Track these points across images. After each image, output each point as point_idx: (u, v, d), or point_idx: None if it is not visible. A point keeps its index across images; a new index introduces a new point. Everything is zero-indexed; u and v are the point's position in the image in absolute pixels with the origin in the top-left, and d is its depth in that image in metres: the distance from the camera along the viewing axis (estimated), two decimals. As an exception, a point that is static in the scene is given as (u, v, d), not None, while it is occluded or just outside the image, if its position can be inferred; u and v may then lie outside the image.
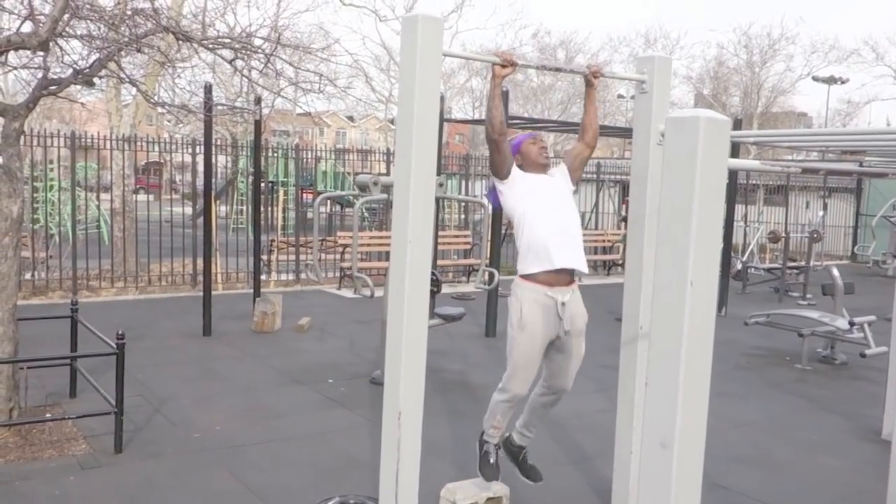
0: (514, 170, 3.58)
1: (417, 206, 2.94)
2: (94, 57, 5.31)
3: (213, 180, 9.25)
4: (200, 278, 9.12)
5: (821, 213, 17.80)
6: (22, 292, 8.90)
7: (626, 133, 12.08)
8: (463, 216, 16.15)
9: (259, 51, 6.17)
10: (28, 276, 10.38)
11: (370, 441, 5.01)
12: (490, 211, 7.54)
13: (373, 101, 26.92)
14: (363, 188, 5.94)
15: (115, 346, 4.76)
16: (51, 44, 4.98)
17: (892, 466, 4.23)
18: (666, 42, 32.62)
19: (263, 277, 10.62)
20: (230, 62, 6.11)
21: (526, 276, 3.50)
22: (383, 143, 30.68)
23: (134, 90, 7.61)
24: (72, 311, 5.85)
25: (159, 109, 9.24)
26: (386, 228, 13.18)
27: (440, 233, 10.90)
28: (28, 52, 5.24)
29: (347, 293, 11.11)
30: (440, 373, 6.88)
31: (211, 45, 5.97)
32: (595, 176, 15.91)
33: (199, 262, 9.62)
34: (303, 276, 12.28)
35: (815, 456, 5.20)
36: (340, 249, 12.24)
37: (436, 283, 6.51)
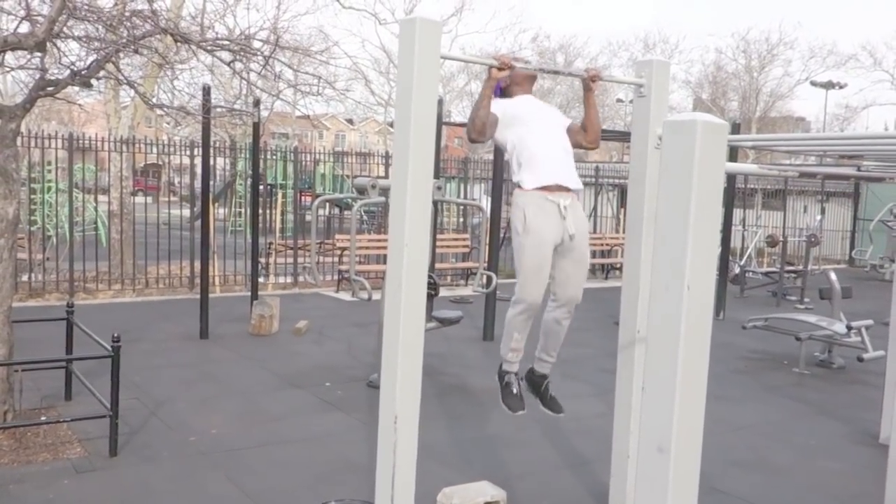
0: (500, 106, 3.60)
1: (414, 209, 2.93)
2: (91, 58, 5.30)
3: (212, 183, 9.24)
4: (198, 281, 9.10)
5: (818, 217, 17.84)
6: (18, 294, 8.88)
7: (624, 137, 12.09)
8: (461, 219, 16.15)
9: (258, 53, 6.16)
10: (24, 278, 10.36)
11: (367, 445, 4.99)
12: (488, 215, 7.53)
13: (372, 104, 26.96)
14: (361, 191, 5.94)
15: (110, 348, 4.74)
16: (48, 45, 4.98)
17: (889, 470, 4.23)
18: (665, 46, 32.75)
19: (261, 280, 10.61)
20: (229, 64, 6.10)
21: (524, 189, 3.54)
22: (382, 147, 30.69)
23: (132, 92, 7.61)
24: (67, 313, 5.81)
25: (158, 111, 9.24)
26: (384, 231, 13.16)
27: (438, 236, 10.90)
28: (25, 53, 5.24)
29: (345, 296, 11.11)
30: (437, 376, 6.87)
31: (209, 47, 5.96)
32: (594, 180, 15.92)
33: (197, 264, 9.60)
34: (301, 278, 12.25)
35: (812, 460, 5.19)
36: (339, 252, 12.23)
37: (433, 287, 6.50)
